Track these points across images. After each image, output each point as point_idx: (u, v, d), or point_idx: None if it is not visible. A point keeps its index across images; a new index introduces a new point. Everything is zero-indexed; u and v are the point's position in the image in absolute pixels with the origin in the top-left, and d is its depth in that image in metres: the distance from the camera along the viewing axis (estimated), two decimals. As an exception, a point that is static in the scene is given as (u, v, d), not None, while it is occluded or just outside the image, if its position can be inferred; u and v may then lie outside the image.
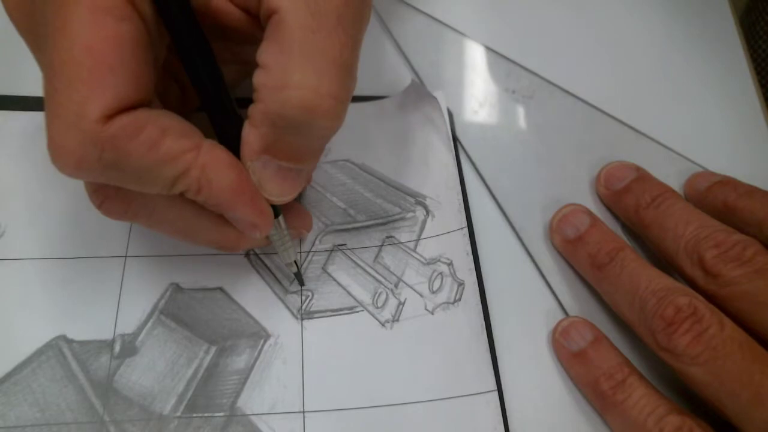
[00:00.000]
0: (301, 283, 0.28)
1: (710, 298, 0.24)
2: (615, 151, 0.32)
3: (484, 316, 0.27)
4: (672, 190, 0.28)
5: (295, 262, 0.27)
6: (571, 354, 0.26)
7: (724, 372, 0.22)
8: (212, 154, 0.21)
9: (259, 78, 0.20)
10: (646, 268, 0.25)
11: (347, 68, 0.20)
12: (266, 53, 0.20)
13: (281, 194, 0.23)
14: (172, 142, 0.20)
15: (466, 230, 0.29)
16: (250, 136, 0.21)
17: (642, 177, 0.29)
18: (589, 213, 0.29)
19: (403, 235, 0.30)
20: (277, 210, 0.24)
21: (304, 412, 0.26)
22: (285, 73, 0.19)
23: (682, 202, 0.27)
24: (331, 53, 0.20)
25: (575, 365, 0.26)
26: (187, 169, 0.20)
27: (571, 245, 0.29)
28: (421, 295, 0.28)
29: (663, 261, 0.28)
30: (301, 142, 0.21)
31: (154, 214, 0.23)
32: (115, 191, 0.22)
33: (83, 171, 0.19)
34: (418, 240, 0.29)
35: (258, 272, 0.28)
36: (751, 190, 0.28)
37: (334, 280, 0.28)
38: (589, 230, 0.28)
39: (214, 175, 0.21)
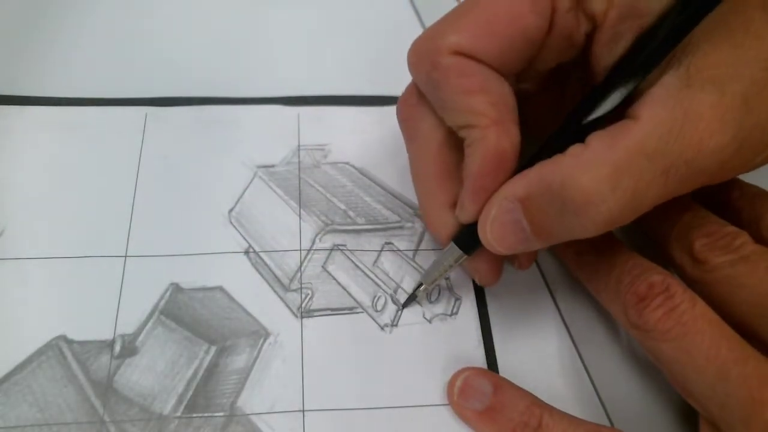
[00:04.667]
0: (404, 305, 0.28)
1: (695, 284, 0.24)
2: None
3: (485, 330, 0.28)
4: None
5: (421, 289, 0.27)
6: (477, 414, 0.25)
7: (692, 347, 0.22)
8: (491, 138, 0.22)
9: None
10: (624, 251, 0.25)
11: (637, 203, 0.20)
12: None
13: (495, 242, 0.23)
14: (478, 103, 0.22)
15: None
16: (529, 176, 0.22)
17: None
18: None
19: (402, 244, 0.30)
20: (472, 245, 0.25)
21: (303, 411, 0.25)
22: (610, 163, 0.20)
23: None
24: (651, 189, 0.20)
25: (486, 425, 0.25)
26: (469, 125, 0.23)
27: None
28: (420, 304, 0.28)
29: (654, 248, 0.28)
30: (555, 222, 0.22)
31: (420, 135, 0.26)
32: (418, 99, 0.25)
33: (413, 69, 0.24)
34: (416, 250, 0.30)
35: (258, 271, 0.28)
36: (754, 190, 0.28)
37: (334, 279, 0.28)
38: None
39: (475, 153, 0.23)
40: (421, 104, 0.25)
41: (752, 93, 0.20)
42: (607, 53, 0.23)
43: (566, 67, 0.25)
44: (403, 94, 0.26)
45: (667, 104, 0.20)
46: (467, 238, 0.25)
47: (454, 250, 0.26)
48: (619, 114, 0.21)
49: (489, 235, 0.23)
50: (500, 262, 0.27)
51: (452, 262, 0.26)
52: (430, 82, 0.24)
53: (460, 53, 0.22)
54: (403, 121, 0.27)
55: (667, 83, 0.20)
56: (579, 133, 0.21)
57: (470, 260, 0.26)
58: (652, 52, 0.21)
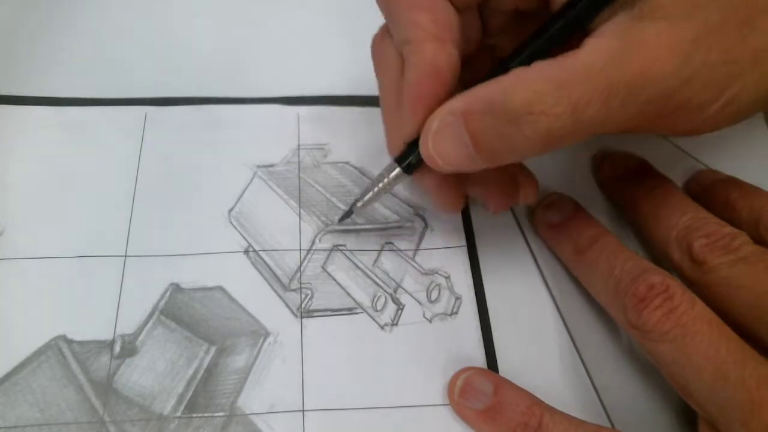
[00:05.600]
0: (340, 220, 0.29)
1: (694, 285, 0.24)
2: (622, 145, 0.32)
3: (485, 330, 0.28)
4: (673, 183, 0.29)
5: (359, 205, 0.27)
6: (477, 414, 0.25)
7: (691, 348, 0.22)
8: (428, 51, 0.23)
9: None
10: (623, 251, 0.25)
11: (577, 119, 0.20)
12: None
13: (438, 156, 0.23)
14: (421, 18, 0.23)
15: (465, 248, 0.30)
16: (471, 92, 0.22)
17: (646, 168, 0.30)
18: (573, 201, 0.29)
19: (402, 243, 0.30)
20: (412, 165, 0.25)
21: (303, 411, 0.25)
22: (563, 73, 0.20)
23: (680, 193, 0.28)
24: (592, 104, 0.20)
25: (487, 425, 0.25)
26: (409, 40, 0.23)
27: (555, 231, 0.29)
28: (420, 303, 0.28)
29: (654, 249, 0.28)
30: (497, 137, 0.21)
31: (384, 64, 0.26)
32: (384, 32, 0.26)
33: None
34: (416, 250, 0.30)
35: (258, 270, 0.28)
36: (753, 190, 0.28)
37: (334, 279, 0.28)
38: (572, 217, 0.28)
39: (412, 65, 0.23)
40: (386, 35, 0.26)
41: (704, 33, 0.20)
42: None
43: (530, 24, 0.25)
44: (377, 31, 0.27)
45: (614, 34, 0.20)
46: (406, 157, 0.25)
47: (393, 167, 0.25)
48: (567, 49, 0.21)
49: (431, 148, 0.23)
50: (450, 187, 0.26)
51: (391, 180, 0.26)
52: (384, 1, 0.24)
53: None
54: (374, 53, 0.27)
55: (617, 20, 0.21)
56: (524, 63, 0.21)
57: (418, 185, 0.26)
58: None
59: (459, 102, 0.22)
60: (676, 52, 0.20)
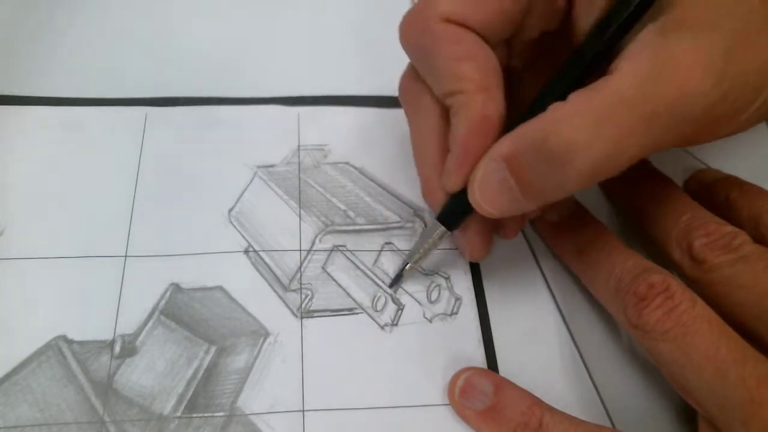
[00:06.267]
0: (391, 285, 0.28)
1: (694, 284, 0.24)
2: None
3: (485, 330, 0.28)
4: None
5: (407, 268, 0.27)
6: (477, 414, 0.25)
7: (692, 348, 0.22)
8: (478, 103, 0.23)
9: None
10: (624, 251, 0.25)
11: (621, 151, 0.20)
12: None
13: (485, 203, 0.23)
14: (465, 69, 0.23)
15: None
16: (513, 135, 0.22)
17: (647, 167, 0.30)
18: (574, 200, 0.29)
19: (402, 244, 0.30)
20: (454, 220, 0.25)
21: (303, 411, 0.25)
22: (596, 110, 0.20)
23: (680, 192, 0.28)
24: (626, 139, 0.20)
25: (487, 424, 0.25)
26: (456, 91, 0.23)
27: (555, 230, 0.29)
28: (420, 303, 0.28)
29: (654, 248, 0.28)
30: (541, 178, 0.21)
31: (420, 110, 0.26)
32: (415, 75, 0.26)
33: (404, 37, 0.25)
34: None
35: (258, 270, 0.28)
36: (753, 189, 0.28)
37: (334, 280, 0.28)
38: (573, 216, 0.29)
39: (461, 118, 0.23)
40: (418, 81, 0.26)
41: (733, 43, 0.20)
42: (586, 16, 0.23)
43: (552, 40, 0.25)
44: (405, 71, 0.27)
45: (643, 55, 0.20)
46: (450, 212, 0.25)
47: (436, 227, 0.26)
48: (599, 75, 0.21)
49: (477, 195, 0.23)
50: (488, 235, 0.27)
51: (435, 239, 0.26)
52: (420, 50, 0.24)
53: (450, 21, 0.23)
54: (404, 96, 0.27)
55: (643, 38, 0.20)
56: (560, 96, 0.21)
57: (459, 235, 0.26)
58: (628, 9, 0.21)
59: (501, 147, 0.22)
60: (711, 67, 0.20)
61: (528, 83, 0.26)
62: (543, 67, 0.26)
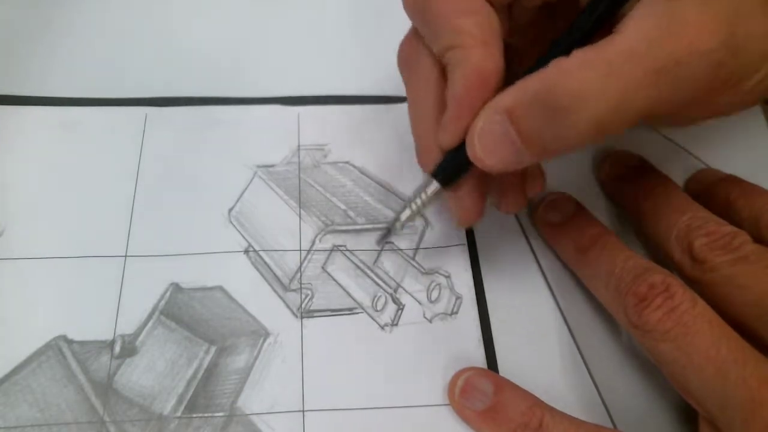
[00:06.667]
0: (379, 241, 0.28)
1: (694, 284, 0.24)
2: (623, 144, 0.32)
3: (485, 330, 0.28)
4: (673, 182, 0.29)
5: (397, 224, 0.26)
6: (477, 414, 0.25)
7: (692, 348, 0.22)
8: (476, 56, 0.22)
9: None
10: (624, 251, 0.25)
11: (627, 106, 0.20)
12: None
13: (485, 156, 0.22)
14: (464, 23, 0.22)
15: (465, 246, 0.29)
16: (515, 88, 0.21)
17: (647, 167, 0.30)
18: (574, 200, 0.29)
19: (402, 243, 0.30)
20: (449, 177, 0.24)
21: (303, 411, 0.25)
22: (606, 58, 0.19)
23: (681, 192, 0.28)
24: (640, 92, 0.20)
25: (487, 425, 0.25)
26: (454, 46, 0.23)
27: (556, 230, 0.29)
28: (420, 303, 0.28)
29: (655, 248, 0.28)
30: (545, 130, 0.21)
31: (417, 71, 0.25)
32: (417, 40, 0.25)
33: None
34: (417, 249, 0.30)
35: (258, 270, 0.28)
36: (753, 189, 0.28)
37: (334, 280, 0.28)
38: (573, 216, 0.28)
39: (459, 72, 0.22)
40: (419, 44, 0.25)
41: (741, 7, 0.20)
42: None
43: (552, 21, 0.25)
44: (403, 38, 0.26)
45: (650, 15, 0.20)
46: (445, 169, 0.25)
47: (430, 182, 0.25)
48: (603, 37, 0.21)
49: (477, 148, 0.22)
50: (481, 198, 0.26)
51: (429, 195, 0.25)
52: (421, 3, 0.24)
53: None
54: (402, 60, 0.27)
55: (647, 2, 0.20)
56: (564, 53, 0.21)
57: (451, 198, 0.25)
58: None
59: (503, 99, 0.21)
60: (718, 27, 0.19)
61: (527, 65, 0.26)
62: (545, 31, 0.26)
